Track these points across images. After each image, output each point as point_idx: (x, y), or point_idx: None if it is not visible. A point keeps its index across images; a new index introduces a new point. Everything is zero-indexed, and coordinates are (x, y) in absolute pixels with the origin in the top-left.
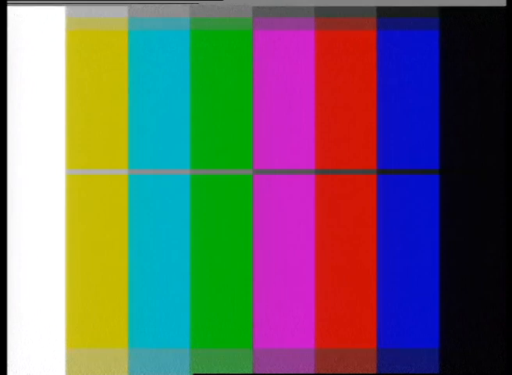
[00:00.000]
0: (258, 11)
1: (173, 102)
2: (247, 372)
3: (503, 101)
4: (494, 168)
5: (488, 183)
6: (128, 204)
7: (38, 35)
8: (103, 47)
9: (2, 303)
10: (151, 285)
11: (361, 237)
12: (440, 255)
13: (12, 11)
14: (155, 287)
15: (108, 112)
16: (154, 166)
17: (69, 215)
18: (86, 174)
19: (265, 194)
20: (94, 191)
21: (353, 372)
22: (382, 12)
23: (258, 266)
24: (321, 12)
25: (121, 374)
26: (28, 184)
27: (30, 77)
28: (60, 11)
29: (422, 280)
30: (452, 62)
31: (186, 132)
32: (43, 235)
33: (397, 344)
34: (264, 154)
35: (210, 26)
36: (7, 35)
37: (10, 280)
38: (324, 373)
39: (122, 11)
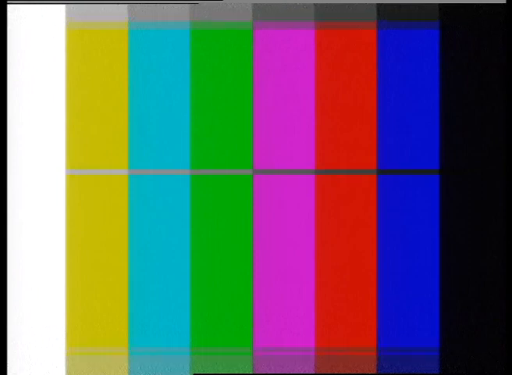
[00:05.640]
0: (258, 10)
1: (173, 102)
2: (247, 371)
3: (503, 101)
4: (494, 168)
5: (488, 183)
6: (128, 204)
7: (38, 34)
8: (103, 46)
9: (2, 303)
10: (151, 285)
11: (361, 237)
12: (440, 255)
13: (12, 9)
14: (155, 286)
15: (108, 111)
16: (154, 166)
17: (69, 215)
18: (86, 174)
19: (265, 194)
20: (94, 191)
21: (353, 371)
22: (382, 11)
23: (258, 266)
24: (320, 10)
25: (121, 374)
26: (28, 184)
27: (30, 76)
28: (60, 9)
29: (422, 280)
30: (452, 61)
31: (186, 132)
32: (43, 235)
33: (397, 343)
34: (264, 154)
35: (210, 25)
36: (7, 34)
37: (10, 280)
38: (324, 371)
39: (122, 10)
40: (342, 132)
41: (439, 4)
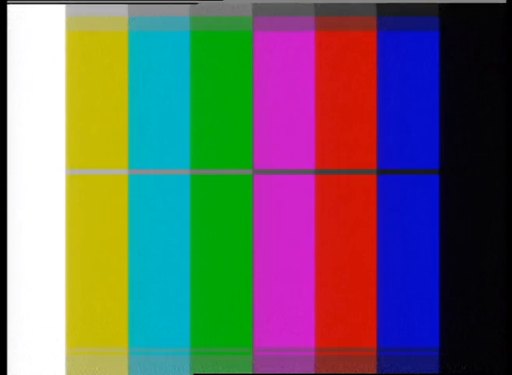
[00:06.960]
0: (258, 11)
1: (173, 103)
2: (247, 371)
3: (503, 101)
4: (494, 168)
5: (488, 183)
6: (128, 204)
7: (38, 34)
8: (103, 47)
9: (2, 303)
10: (151, 285)
11: (361, 237)
12: (440, 255)
13: (12, 9)
14: (155, 286)
15: (108, 112)
16: (154, 166)
17: (69, 215)
18: (86, 174)
19: (265, 194)
20: (94, 191)
21: (353, 371)
22: (382, 11)
23: (258, 266)
24: (321, 11)
25: (121, 374)
26: (28, 184)
27: (30, 76)
28: (60, 10)
29: (422, 280)
30: (452, 61)
31: (186, 132)
32: (43, 235)
33: (397, 343)
34: (264, 154)
35: (210, 26)
36: (7, 34)
37: (10, 281)
38: (324, 372)
39: (122, 11)
40: (342, 132)
41: (439, 4)
